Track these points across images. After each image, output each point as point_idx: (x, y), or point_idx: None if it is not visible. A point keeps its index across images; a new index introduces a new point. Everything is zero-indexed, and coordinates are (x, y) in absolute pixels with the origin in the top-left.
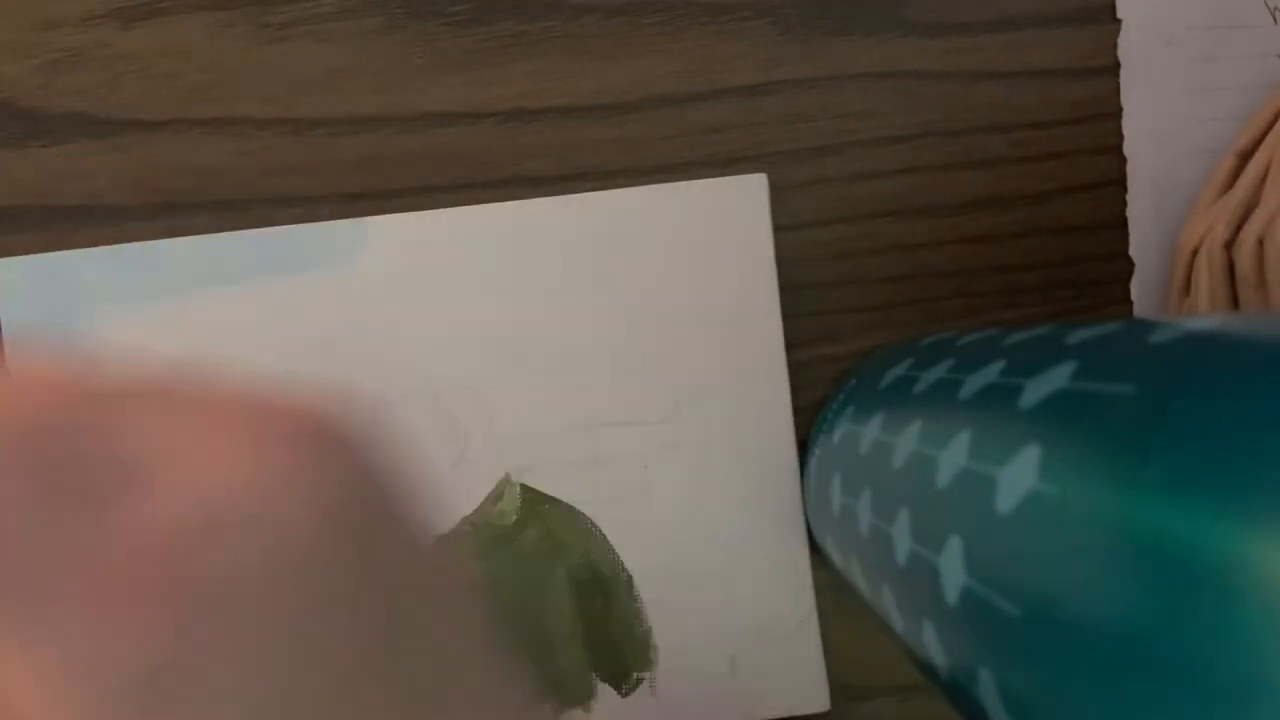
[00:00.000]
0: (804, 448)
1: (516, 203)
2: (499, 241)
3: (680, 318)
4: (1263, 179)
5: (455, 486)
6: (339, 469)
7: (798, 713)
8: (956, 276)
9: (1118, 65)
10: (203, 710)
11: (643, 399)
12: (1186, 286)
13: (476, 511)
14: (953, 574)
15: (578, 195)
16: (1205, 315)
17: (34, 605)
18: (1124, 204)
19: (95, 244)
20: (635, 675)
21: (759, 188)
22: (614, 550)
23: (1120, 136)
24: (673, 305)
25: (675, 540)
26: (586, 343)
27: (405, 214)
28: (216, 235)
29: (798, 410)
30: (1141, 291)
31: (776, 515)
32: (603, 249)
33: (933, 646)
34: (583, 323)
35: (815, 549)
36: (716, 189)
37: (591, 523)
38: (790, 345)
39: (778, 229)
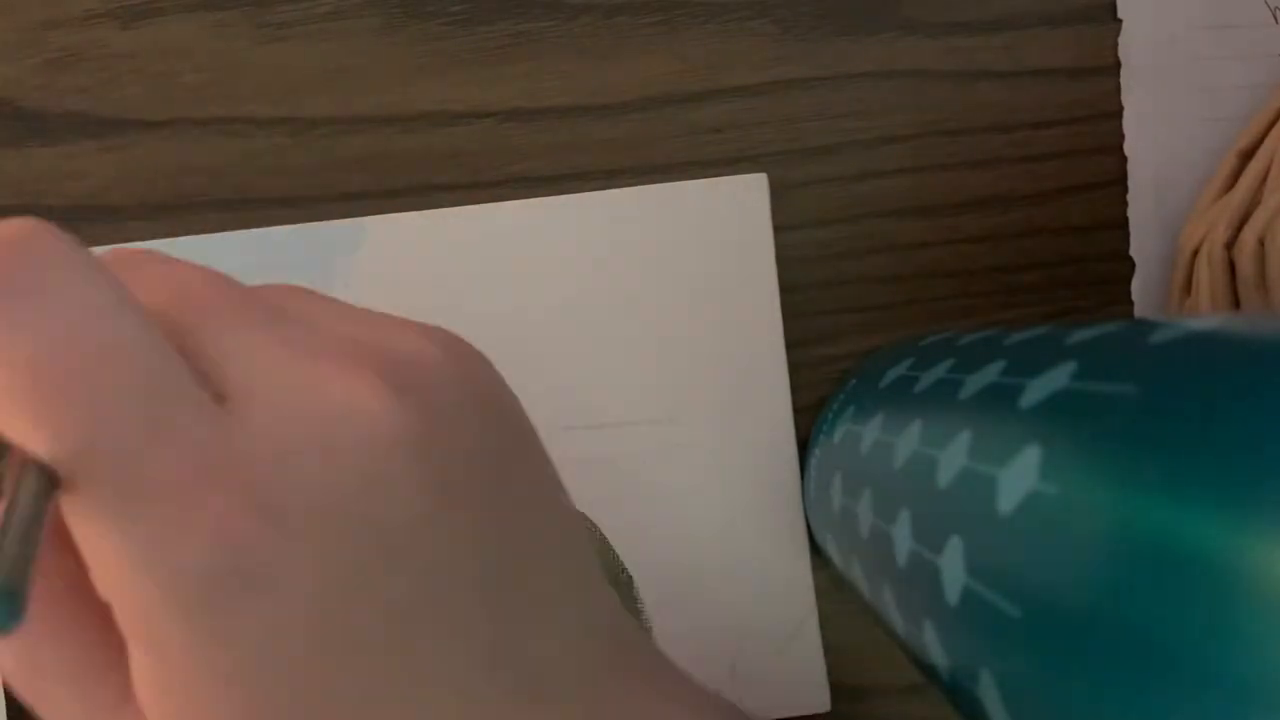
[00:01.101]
0: (804, 448)
1: (516, 203)
2: (499, 241)
3: (680, 318)
4: (1263, 179)
5: None
6: (440, 408)
7: (798, 713)
8: (956, 276)
9: (1118, 65)
10: (266, 610)
11: (642, 399)
12: (1187, 286)
13: None
14: (953, 574)
15: (577, 195)
16: (1206, 315)
17: (137, 475)
18: (1124, 204)
19: (95, 244)
20: None
21: (759, 188)
22: (614, 551)
23: (1120, 136)
24: (673, 305)
25: (675, 541)
26: (586, 343)
27: (405, 214)
28: (216, 235)
29: (798, 410)
30: (1142, 291)
31: (776, 515)
32: (603, 249)
33: (933, 646)
34: (582, 323)
35: (815, 549)
36: (716, 189)
37: (592, 523)
38: (790, 345)
39: (778, 229)
